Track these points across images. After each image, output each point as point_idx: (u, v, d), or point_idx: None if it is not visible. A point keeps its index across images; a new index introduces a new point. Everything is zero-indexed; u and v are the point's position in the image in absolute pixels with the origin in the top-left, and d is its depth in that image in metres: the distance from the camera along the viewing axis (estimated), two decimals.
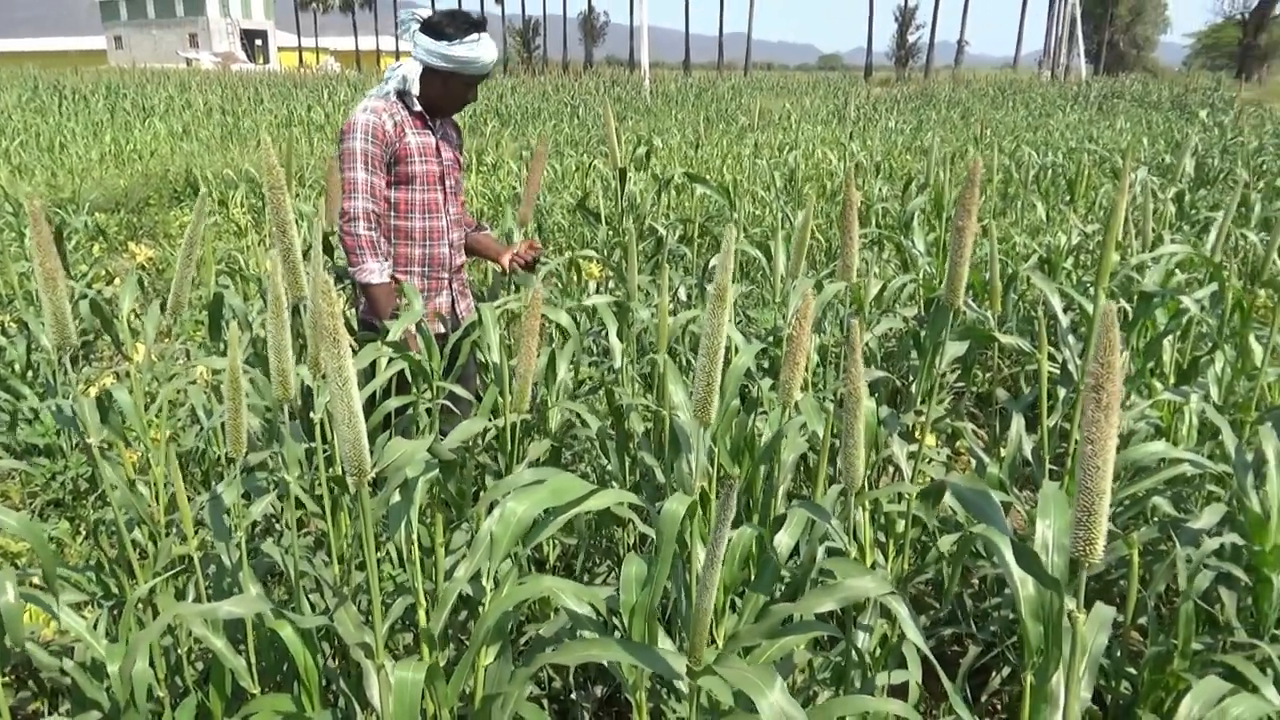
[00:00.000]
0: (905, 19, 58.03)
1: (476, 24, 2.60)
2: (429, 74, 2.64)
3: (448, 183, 2.78)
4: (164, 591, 1.75)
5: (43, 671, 1.83)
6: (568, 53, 65.33)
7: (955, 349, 2.08)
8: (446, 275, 2.81)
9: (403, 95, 2.67)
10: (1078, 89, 26.29)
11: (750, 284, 4.84)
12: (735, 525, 2.05)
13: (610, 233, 3.97)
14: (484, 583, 1.43)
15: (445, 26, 2.57)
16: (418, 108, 2.67)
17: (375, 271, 2.59)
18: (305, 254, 2.71)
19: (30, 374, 3.68)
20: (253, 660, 1.63)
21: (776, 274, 2.70)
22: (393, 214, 2.69)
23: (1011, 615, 2.09)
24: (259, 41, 67.66)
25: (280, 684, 1.78)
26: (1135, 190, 4.02)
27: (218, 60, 50.15)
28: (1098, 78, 36.64)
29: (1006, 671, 2.11)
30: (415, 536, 1.50)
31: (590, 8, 68.92)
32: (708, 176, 6.47)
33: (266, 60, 62.53)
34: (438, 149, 2.73)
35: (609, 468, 2.34)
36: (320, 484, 1.58)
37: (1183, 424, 2.44)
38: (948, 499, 1.71)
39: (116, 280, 5.88)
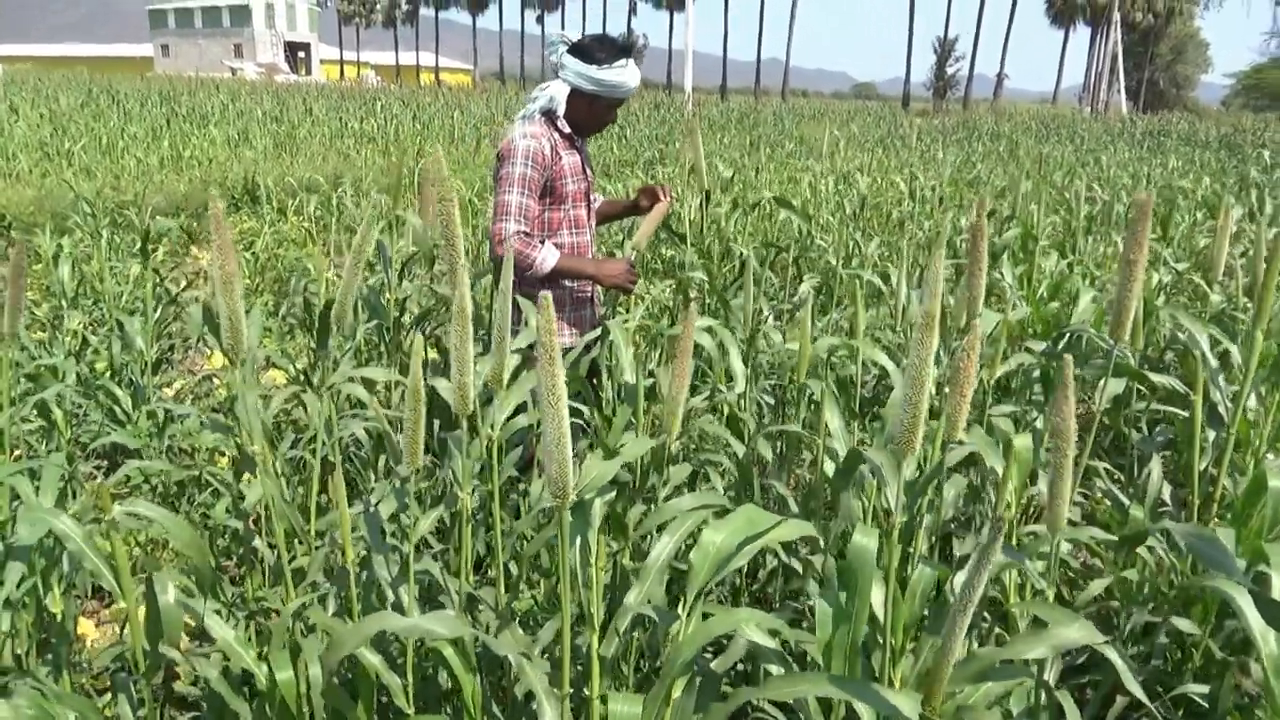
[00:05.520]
0: (945, 50, 57.90)
1: (625, 49, 2.65)
2: (576, 96, 2.69)
3: (591, 198, 2.86)
4: (312, 606, 1.71)
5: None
6: None
7: (1115, 386, 2.02)
8: (590, 288, 2.86)
9: (549, 116, 2.70)
10: (1121, 125, 26.10)
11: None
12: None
13: (696, 254, 3.93)
14: (680, 612, 1.38)
15: (596, 51, 2.63)
16: (566, 129, 2.72)
17: (548, 257, 2.61)
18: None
19: (116, 378, 3.67)
20: (410, 679, 1.58)
21: (898, 301, 2.64)
22: (544, 232, 2.74)
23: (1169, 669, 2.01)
24: (302, 54, 68.70)
25: (427, 705, 1.73)
26: (1233, 228, 3.93)
27: (261, 70, 50.95)
28: (1139, 115, 36.40)
29: None
30: (594, 558, 1.46)
31: (630, 29, 69.37)
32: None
33: (309, 72, 63.49)
34: (583, 167, 2.80)
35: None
36: (493, 499, 1.54)
37: None
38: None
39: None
